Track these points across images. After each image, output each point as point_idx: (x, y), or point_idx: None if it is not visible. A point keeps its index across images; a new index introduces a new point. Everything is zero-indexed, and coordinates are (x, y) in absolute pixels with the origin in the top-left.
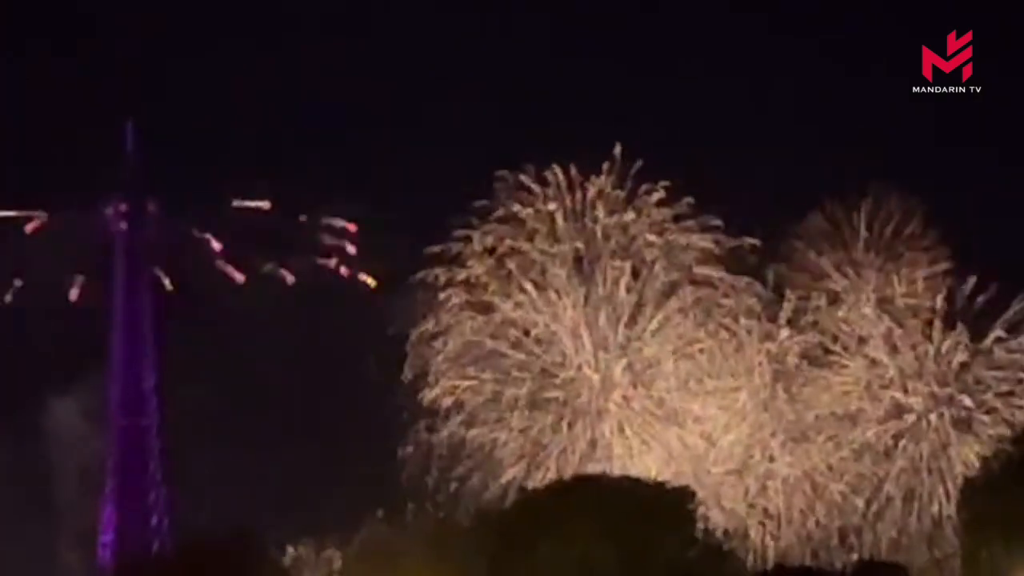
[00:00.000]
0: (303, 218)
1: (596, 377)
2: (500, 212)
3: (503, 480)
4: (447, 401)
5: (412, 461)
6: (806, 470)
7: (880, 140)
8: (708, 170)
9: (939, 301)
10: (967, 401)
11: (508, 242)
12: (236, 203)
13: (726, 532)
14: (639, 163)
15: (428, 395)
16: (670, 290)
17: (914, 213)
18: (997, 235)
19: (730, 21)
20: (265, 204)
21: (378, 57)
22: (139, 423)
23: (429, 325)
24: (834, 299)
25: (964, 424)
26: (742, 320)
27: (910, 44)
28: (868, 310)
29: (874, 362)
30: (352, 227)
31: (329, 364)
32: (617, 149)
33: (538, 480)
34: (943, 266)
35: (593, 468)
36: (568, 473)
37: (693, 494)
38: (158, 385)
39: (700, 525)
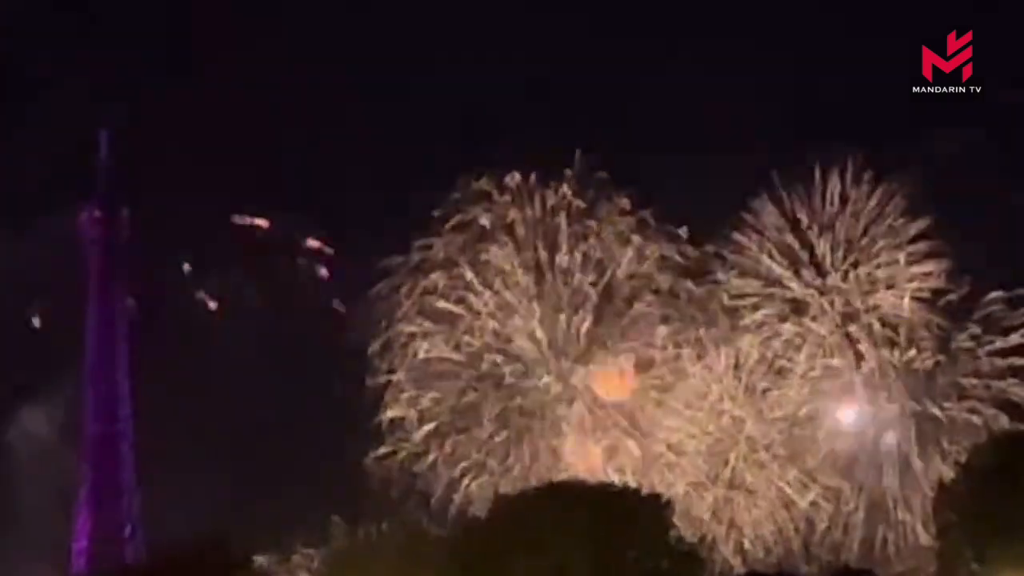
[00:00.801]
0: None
1: (558, 386)
2: (460, 219)
3: (465, 490)
4: (410, 413)
5: (377, 472)
6: (771, 479)
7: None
8: (689, 177)
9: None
10: (934, 410)
11: (468, 251)
12: (236, 219)
13: (702, 539)
14: (602, 174)
15: (390, 408)
16: (631, 298)
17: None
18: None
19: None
20: (264, 222)
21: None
22: (112, 431)
23: (389, 336)
24: (796, 307)
25: (931, 434)
26: (702, 330)
27: (910, 44)
28: (826, 325)
29: (836, 372)
30: (320, 244)
31: (300, 374)
32: (577, 155)
33: (504, 488)
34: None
35: (556, 477)
36: (533, 482)
37: (668, 502)
38: (131, 393)
39: (673, 533)
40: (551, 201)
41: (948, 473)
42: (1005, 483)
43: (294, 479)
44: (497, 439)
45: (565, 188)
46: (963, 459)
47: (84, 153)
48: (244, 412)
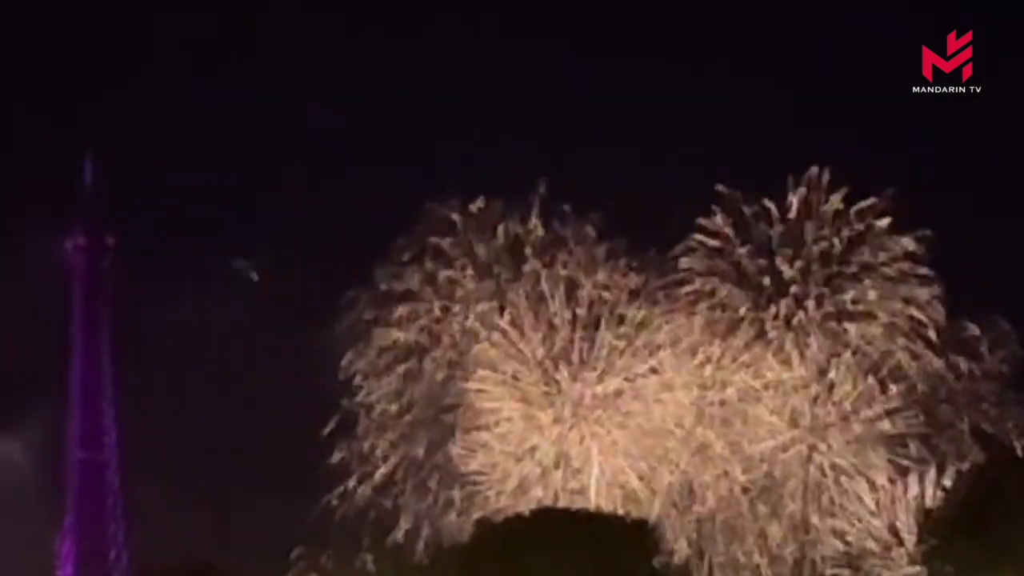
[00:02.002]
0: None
1: (520, 423)
2: (425, 247)
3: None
4: (380, 446)
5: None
6: (741, 512)
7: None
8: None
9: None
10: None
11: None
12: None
13: (686, 564)
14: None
15: (361, 442)
16: (596, 328)
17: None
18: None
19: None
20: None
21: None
22: (97, 457)
23: (356, 369)
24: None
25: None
26: (670, 360)
27: (910, 44)
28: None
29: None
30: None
31: (279, 402)
32: (543, 187)
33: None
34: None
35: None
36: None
37: (654, 527)
38: (116, 419)
39: (658, 559)
40: (516, 229)
41: (930, 497)
42: (991, 509)
43: (280, 505)
44: (467, 467)
45: (530, 215)
46: (948, 485)
47: (69, 178)
48: (229, 437)
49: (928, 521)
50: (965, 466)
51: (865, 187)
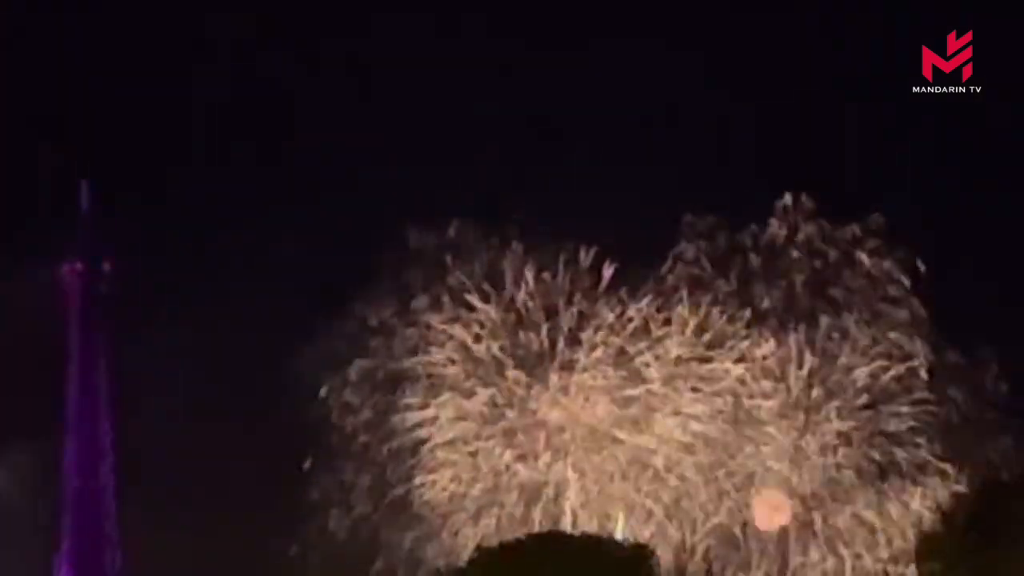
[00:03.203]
0: None
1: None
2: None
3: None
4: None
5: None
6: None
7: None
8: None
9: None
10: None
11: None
12: None
13: None
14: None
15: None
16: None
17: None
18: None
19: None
20: None
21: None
22: (94, 485)
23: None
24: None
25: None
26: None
27: (910, 44)
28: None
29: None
30: None
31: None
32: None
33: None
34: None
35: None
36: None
37: (652, 552)
38: (112, 446)
39: None
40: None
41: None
42: (988, 531)
43: (279, 532)
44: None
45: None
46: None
47: (65, 203)
48: (227, 465)
49: (927, 545)
50: (958, 490)
51: (865, 185)
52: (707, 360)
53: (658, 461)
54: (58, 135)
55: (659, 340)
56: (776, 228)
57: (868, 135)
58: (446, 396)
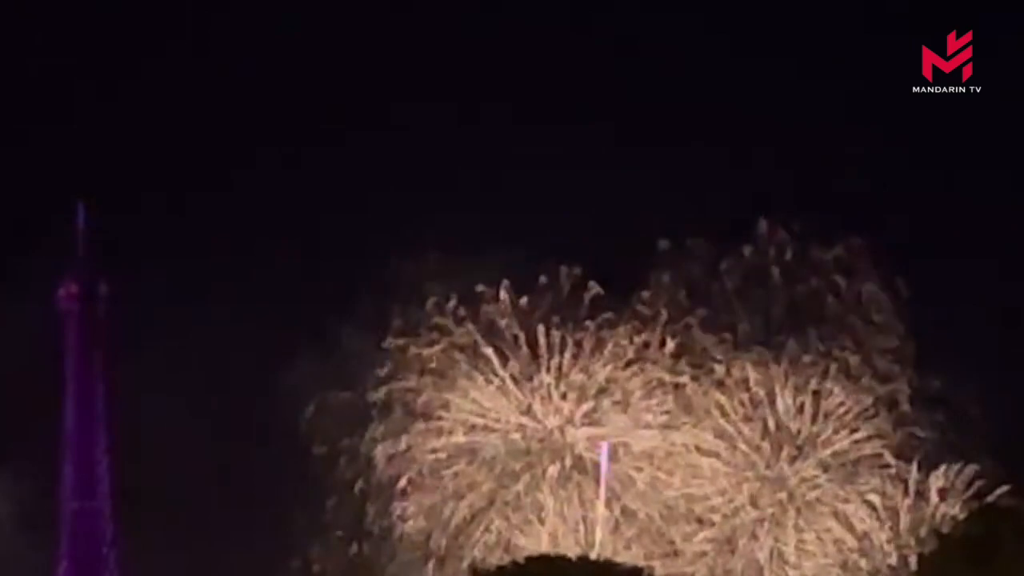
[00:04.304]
0: None
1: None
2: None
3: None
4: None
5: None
6: None
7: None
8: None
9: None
10: None
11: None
12: None
13: None
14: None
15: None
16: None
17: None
18: None
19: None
20: None
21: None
22: (91, 507)
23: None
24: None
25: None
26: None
27: (910, 44)
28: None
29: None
30: None
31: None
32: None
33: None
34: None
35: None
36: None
37: (649, 575)
38: (110, 468)
39: None
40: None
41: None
42: (988, 553)
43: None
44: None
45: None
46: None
47: (62, 224)
48: (224, 487)
49: (924, 564)
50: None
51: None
52: (684, 386)
53: (640, 482)
54: (54, 158)
55: (638, 363)
56: (756, 252)
57: (869, 135)
58: (421, 425)
